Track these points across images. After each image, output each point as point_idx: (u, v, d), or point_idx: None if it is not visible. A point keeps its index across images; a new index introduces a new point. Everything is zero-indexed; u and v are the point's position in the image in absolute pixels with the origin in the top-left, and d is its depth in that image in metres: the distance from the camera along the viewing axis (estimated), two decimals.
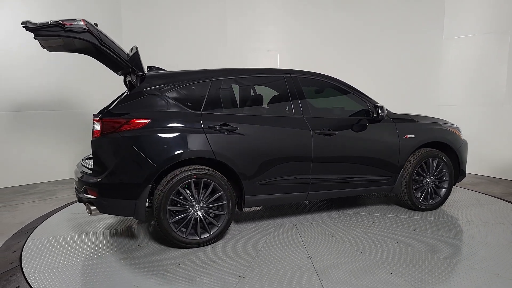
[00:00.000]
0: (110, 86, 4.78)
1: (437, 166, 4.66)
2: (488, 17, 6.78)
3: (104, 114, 3.42)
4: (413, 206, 4.62)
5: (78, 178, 3.68)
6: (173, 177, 3.43)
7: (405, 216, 4.48)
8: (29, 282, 2.97)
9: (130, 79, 3.62)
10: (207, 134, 3.57)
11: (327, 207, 4.83)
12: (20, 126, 6.42)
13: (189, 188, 3.53)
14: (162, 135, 3.45)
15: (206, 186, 3.57)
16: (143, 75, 3.66)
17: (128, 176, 3.37)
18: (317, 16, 7.75)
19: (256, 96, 4.21)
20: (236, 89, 4.08)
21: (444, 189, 4.74)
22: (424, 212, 4.63)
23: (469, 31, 7.05)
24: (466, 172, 5.01)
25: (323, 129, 4.03)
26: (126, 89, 4.67)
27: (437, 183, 4.70)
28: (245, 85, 4.13)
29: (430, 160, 4.60)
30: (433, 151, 4.61)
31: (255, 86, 4.21)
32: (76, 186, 3.79)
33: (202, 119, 3.61)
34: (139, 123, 3.40)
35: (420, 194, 4.62)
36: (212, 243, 3.65)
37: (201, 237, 3.57)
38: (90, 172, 3.52)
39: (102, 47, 3.38)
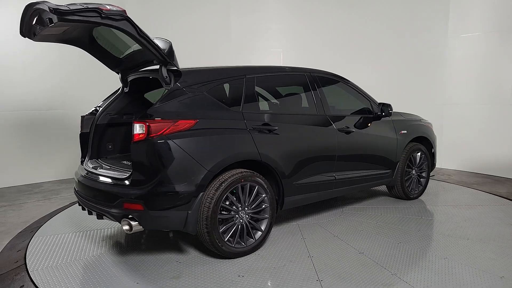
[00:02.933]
0: (114, 85, 4.21)
1: (420, 158, 5.14)
2: (493, 15, 6.69)
3: (145, 115, 2.97)
4: (404, 196, 5.02)
5: (98, 189, 3.15)
6: (222, 182, 3.15)
7: (401, 206, 4.85)
8: (34, 281, 2.94)
9: (162, 75, 3.20)
10: (252, 135, 3.36)
11: (328, 206, 4.93)
12: (24, 126, 6.46)
13: (234, 193, 3.28)
14: (212, 136, 3.14)
15: (250, 189, 3.36)
16: (178, 71, 3.27)
17: (179, 184, 2.98)
18: (321, 15, 7.67)
19: (286, 94, 4.10)
20: (266, 86, 3.90)
21: (424, 179, 5.25)
22: (413, 201, 5.07)
23: (474, 29, 6.95)
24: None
25: (343, 127, 4.12)
26: (116, 88, 4.18)
27: (419, 173, 5.18)
28: (274, 83, 3.98)
29: (416, 153, 5.05)
30: (418, 145, 5.06)
31: (282, 84, 4.09)
32: (92, 199, 3.23)
33: (244, 119, 3.38)
34: (187, 124, 3.04)
35: (406, 184, 5.04)
36: (256, 250, 3.45)
37: (247, 244, 3.35)
38: (124, 182, 3.02)
39: (140, 38, 2.93)
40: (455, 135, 7.33)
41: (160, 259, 3.31)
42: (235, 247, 3.27)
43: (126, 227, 2.98)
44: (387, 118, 4.69)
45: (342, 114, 4.29)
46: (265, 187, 3.42)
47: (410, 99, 7.31)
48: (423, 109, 6.61)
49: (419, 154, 5.10)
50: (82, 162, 3.91)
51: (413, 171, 5.09)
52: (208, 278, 2.96)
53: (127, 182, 3.01)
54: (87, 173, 3.49)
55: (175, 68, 3.27)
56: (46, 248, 3.59)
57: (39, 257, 3.40)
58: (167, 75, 3.23)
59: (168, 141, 2.94)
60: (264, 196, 3.43)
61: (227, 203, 3.22)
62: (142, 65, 3.81)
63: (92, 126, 3.92)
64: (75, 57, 6.01)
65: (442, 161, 7.46)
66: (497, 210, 4.67)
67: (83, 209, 3.52)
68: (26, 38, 3.47)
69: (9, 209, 5.02)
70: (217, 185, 3.13)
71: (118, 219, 3.03)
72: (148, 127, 2.90)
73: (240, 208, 3.29)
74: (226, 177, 3.18)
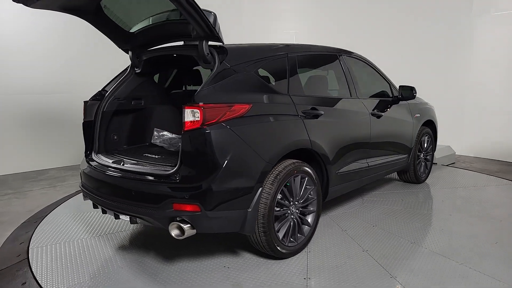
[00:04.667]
0: (121, 68, 3.59)
1: (427, 142, 5.11)
2: None
3: (195, 99, 2.49)
4: (415, 180, 4.98)
5: (133, 188, 2.64)
6: (277, 175, 2.78)
7: (415, 190, 4.84)
8: (37, 278, 2.72)
9: (203, 52, 2.72)
10: (304, 121, 3.02)
11: (346, 196, 4.72)
12: (30, 110, 6.18)
13: (286, 186, 2.93)
14: (268, 123, 2.75)
15: (300, 181, 3.03)
16: (222, 47, 2.82)
17: (239, 179, 2.56)
18: None
19: (323, 75, 3.76)
20: (304, 67, 3.54)
21: (429, 162, 5.25)
22: (422, 184, 5.07)
23: (501, 7, 6.36)
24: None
25: (374, 111, 3.92)
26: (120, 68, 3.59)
27: (426, 157, 5.16)
28: (312, 63, 3.63)
29: (424, 136, 5.01)
30: (426, 128, 5.02)
31: (318, 64, 3.75)
32: (122, 200, 2.71)
33: (294, 103, 3.02)
34: (242, 109, 2.61)
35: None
36: (305, 247, 3.14)
37: (298, 242, 3.04)
38: (171, 179, 2.54)
39: (188, 6, 2.44)
40: (478, 120, 6.90)
41: (203, 266, 2.87)
42: (288, 246, 2.93)
43: (176, 232, 2.51)
44: (404, 101, 4.56)
45: (370, 97, 4.06)
46: (314, 178, 3.11)
47: (429, 82, 6.71)
48: (443, 92, 6.49)
49: (426, 137, 5.07)
50: (87, 155, 3.30)
51: (421, 155, 5.05)
52: (273, 284, 2.61)
53: (175, 179, 2.53)
54: (106, 170, 2.93)
55: (219, 44, 2.81)
56: (51, 242, 3.33)
57: (43, 251, 3.14)
58: (208, 52, 2.76)
59: (226, 129, 2.50)
60: (312, 188, 3.11)
61: (279, 197, 2.86)
62: (160, 41, 3.27)
63: (97, 113, 3.32)
64: (81, 35, 6.11)
65: (463, 147, 7.05)
66: (503, 190, 4.81)
67: (104, 212, 2.97)
68: (20, 4, 2.80)
69: (13, 197, 4.81)
70: (273, 178, 2.76)
71: (164, 222, 2.54)
72: (204, 113, 2.43)
73: (291, 203, 2.96)
74: (280, 169, 2.82)
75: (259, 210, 2.69)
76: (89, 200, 3.13)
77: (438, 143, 5.52)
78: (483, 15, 6.71)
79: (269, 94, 2.88)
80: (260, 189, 2.67)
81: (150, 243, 3.28)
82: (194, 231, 2.52)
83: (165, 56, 3.37)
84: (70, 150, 6.47)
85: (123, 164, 2.92)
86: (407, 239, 3.30)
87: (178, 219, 2.51)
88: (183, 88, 4.10)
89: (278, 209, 2.84)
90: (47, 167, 6.40)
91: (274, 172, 2.78)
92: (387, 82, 4.43)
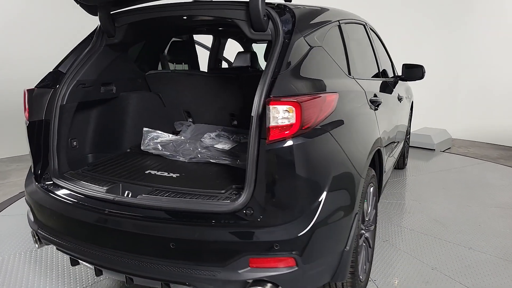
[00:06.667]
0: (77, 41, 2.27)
1: (408, 125, 4.79)
2: None
3: (275, 91, 1.53)
4: (403, 165, 4.68)
5: (170, 237, 1.60)
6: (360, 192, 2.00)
7: (406, 177, 4.52)
8: None
9: (258, 12, 1.74)
10: (375, 113, 2.26)
11: None
12: None
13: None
14: (356, 120, 1.94)
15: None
16: (285, 8, 1.86)
17: (340, 207, 1.70)
18: None
19: (365, 51, 2.96)
20: (352, 40, 2.70)
21: (407, 145, 4.95)
22: (406, 169, 4.78)
23: None
24: None
25: (397, 93, 3.33)
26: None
27: (407, 140, 4.84)
28: (355, 35, 2.79)
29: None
30: (410, 111, 4.67)
31: (360, 37, 2.91)
32: (142, 257, 1.65)
33: (363, 89, 2.22)
34: (332, 101, 1.73)
35: None
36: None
37: (366, 271, 2.33)
38: (243, 218, 1.56)
39: None
40: (474, 101, 6.43)
41: None
42: (361, 281, 2.20)
43: None
44: (402, 81, 4.05)
45: (386, 79, 3.46)
46: (375, 187, 2.40)
47: (421, 60, 6.27)
48: (436, 72, 5.96)
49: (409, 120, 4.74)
50: (39, 178, 2.06)
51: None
52: None
53: (251, 218, 1.55)
54: (99, 205, 1.77)
55: (278, 2, 1.85)
56: None
57: None
58: (265, 14, 1.79)
59: (326, 136, 1.62)
60: (375, 198, 2.41)
61: None
62: None
63: (52, 109, 2.08)
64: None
65: (458, 130, 6.34)
66: (490, 170, 4.80)
67: (99, 273, 1.83)
68: None
69: None
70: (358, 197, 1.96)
71: None
72: (302, 112, 1.50)
73: (364, 224, 2.21)
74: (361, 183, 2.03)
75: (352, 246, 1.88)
76: (56, 248, 1.95)
77: (434, 126, 5.29)
78: None
79: (344, 78, 2.04)
80: (356, 215, 1.86)
81: None
82: None
83: (163, 20, 2.22)
84: (18, 137, 4.94)
85: (129, 195, 1.79)
86: (459, 244, 2.88)
87: (250, 280, 1.57)
88: (161, 68, 2.97)
89: None
90: None
91: None
92: (389, 59, 3.88)
